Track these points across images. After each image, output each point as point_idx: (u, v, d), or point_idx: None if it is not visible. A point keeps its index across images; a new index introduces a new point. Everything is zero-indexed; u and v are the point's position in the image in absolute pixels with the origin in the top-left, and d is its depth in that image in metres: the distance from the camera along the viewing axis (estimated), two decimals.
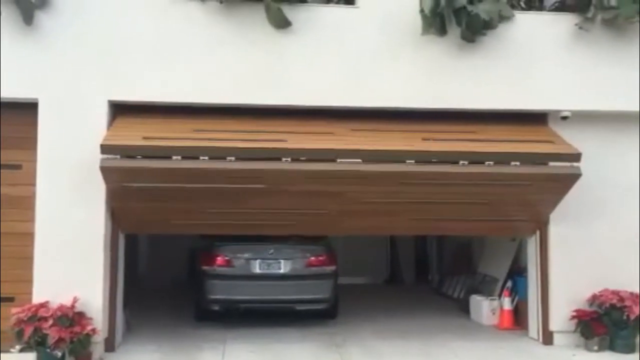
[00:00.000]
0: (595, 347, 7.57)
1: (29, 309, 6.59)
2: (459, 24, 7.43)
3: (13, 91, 7.01)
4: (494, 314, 9.16)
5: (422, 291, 12.28)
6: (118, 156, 6.75)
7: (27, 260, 6.94)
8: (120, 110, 7.35)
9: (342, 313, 9.35)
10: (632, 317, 7.43)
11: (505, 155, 7.21)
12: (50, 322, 6.50)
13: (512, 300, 8.99)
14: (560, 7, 8.07)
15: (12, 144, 7.13)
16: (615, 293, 7.60)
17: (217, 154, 6.86)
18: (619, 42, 7.83)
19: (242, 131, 7.16)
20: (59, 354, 6.49)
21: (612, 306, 7.53)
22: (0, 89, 6.96)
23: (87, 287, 6.95)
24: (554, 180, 7.36)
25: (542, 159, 7.35)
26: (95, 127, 7.05)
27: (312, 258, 8.88)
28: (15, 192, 7.11)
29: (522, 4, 8.21)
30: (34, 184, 7.03)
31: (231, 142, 6.93)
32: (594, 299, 7.70)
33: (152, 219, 7.56)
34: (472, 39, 7.52)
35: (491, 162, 7.18)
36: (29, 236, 6.97)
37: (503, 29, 7.65)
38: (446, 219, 7.78)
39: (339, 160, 7.02)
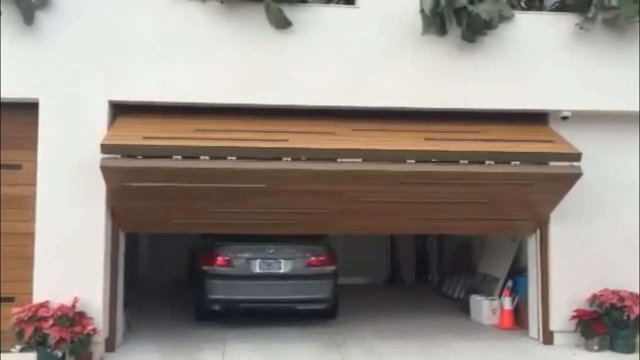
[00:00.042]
0: (596, 347, 7.57)
1: (29, 309, 6.59)
2: (459, 24, 7.43)
3: (13, 91, 7.01)
4: (494, 313, 9.17)
5: (422, 291, 12.28)
6: (118, 156, 6.75)
7: (27, 260, 6.94)
8: (120, 110, 7.35)
9: (342, 313, 9.36)
10: (632, 317, 7.43)
11: (506, 154, 7.21)
12: (51, 322, 6.49)
13: (513, 300, 8.99)
14: (560, 7, 8.07)
15: (13, 144, 7.13)
16: (615, 293, 7.60)
17: (218, 153, 6.86)
18: (620, 42, 7.83)
19: (242, 131, 7.17)
20: (60, 354, 6.49)
21: (612, 306, 7.53)
22: (0, 89, 6.96)
23: (88, 287, 6.95)
24: (555, 179, 7.36)
25: (542, 158, 7.35)
26: (96, 127, 7.05)
27: (312, 258, 8.88)
28: (16, 192, 7.11)
29: (522, 4, 8.22)
30: (34, 184, 7.03)
31: (232, 141, 6.94)
32: (594, 298, 7.71)
33: (152, 218, 7.56)
34: (472, 39, 7.53)
35: (491, 162, 7.19)
36: (29, 236, 6.97)
37: (503, 29, 7.65)
38: (446, 219, 7.79)
39: (339, 160, 7.02)
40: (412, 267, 13.67)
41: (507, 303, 8.98)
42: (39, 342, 6.49)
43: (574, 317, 7.69)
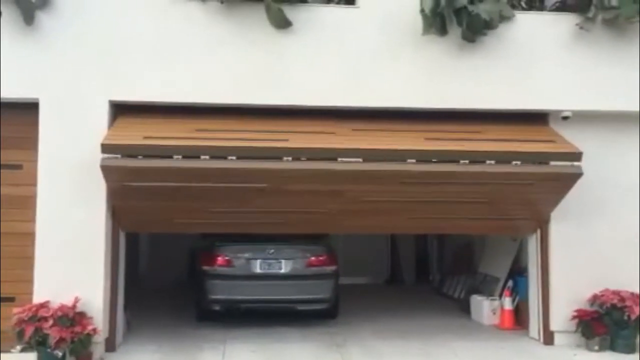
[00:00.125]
0: (596, 347, 7.57)
1: (29, 309, 6.59)
2: (459, 24, 7.43)
3: (14, 91, 7.01)
4: (494, 313, 9.16)
5: (422, 291, 12.27)
6: (119, 156, 6.75)
7: (27, 260, 6.94)
8: (121, 110, 7.36)
9: (343, 313, 9.35)
10: (633, 317, 7.43)
11: (506, 154, 7.20)
12: (51, 322, 6.50)
13: (513, 300, 8.99)
14: (560, 7, 8.07)
15: (13, 144, 7.14)
16: (616, 293, 7.59)
17: (218, 153, 6.86)
18: (620, 42, 7.83)
19: (243, 131, 7.17)
20: (60, 354, 6.48)
21: (613, 306, 7.52)
22: (0, 89, 6.96)
23: (88, 287, 6.95)
24: (555, 179, 7.36)
25: (543, 158, 7.34)
26: (96, 127, 7.05)
27: (313, 258, 8.88)
28: (16, 192, 7.11)
29: (522, 4, 8.21)
30: (34, 184, 7.03)
31: (232, 141, 6.94)
32: (594, 298, 7.70)
33: (152, 217, 7.57)
34: (472, 39, 7.52)
35: (492, 161, 7.19)
36: (30, 236, 6.97)
37: (504, 29, 7.65)
38: (447, 218, 7.79)
39: (340, 159, 7.02)
40: (413, 267, 13.66)
41: (508, 303, 8.98)
42: (39, 342, 6.50)
43: (574, 317, 7.69)
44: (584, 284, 7.77)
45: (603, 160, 7.80)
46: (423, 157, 7.12)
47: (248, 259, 8.75)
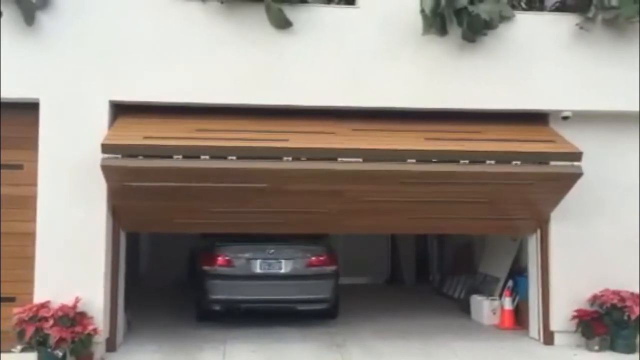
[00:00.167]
0: (596, 347, 7.57)
1: (30, 309, 6.60)
2: (459, 24, 7.43)
3: (14, 91, 7.01)
4: (494, 313, 9.16)
5: (422, 291, 12.27)
6: (119, 156, 6.75)
7: (28, 260, 6.95)
8: (121, 110, 7.36)
9: (343, 313, 9.36)
10: (633, 317, 7.43)
11: (507, 154, 7.20)
12: (52, 322, 6.50)
13: (513, 300, 8.99)
14: (560, 7, 8.07)
15: (13, 144, 7.14)
16: (616, 293, 7.60)
17: (218, 153, 6.86)
18: (620, 42, 7.83)
19: (243, 131, 7.17)
20: (60, 354, 6.49)
21: (613, 306, 7.53)
22: (0, 89, 6.97)
23: (88, 287, 6.95)
24: (555, 179, 7.36)
25: (543, 158, 7.34)
26: (96, 127, 7.05)
27: (313, 258, 8.88)
28: (17, 192, 7.12)
29: (522, 4, 8.21)
30: (35, 184, 7.03)
31: (232, 141, 6.94)
32: (594, 299, 7.70)
33: (153, 217, 7.57)
34: (472, 39, 7.52)
35: (492, 161, 7.19)
36: (30, 236, 6.98)
37: (504, 29, 7.65)
38: (447, 218, 7.79)
39: (340, 159, 7.02)
40: (413, 267, 13.67)
41: (508, 303, 8.98)
42: (39, 342, 6.50)
43: (574, 317, 7.69)
44: (584, 284, 7.77)
45: (603, 160, 7.80)
46: (423, 157, 7.12)
47: (248, 259, 8.75)
